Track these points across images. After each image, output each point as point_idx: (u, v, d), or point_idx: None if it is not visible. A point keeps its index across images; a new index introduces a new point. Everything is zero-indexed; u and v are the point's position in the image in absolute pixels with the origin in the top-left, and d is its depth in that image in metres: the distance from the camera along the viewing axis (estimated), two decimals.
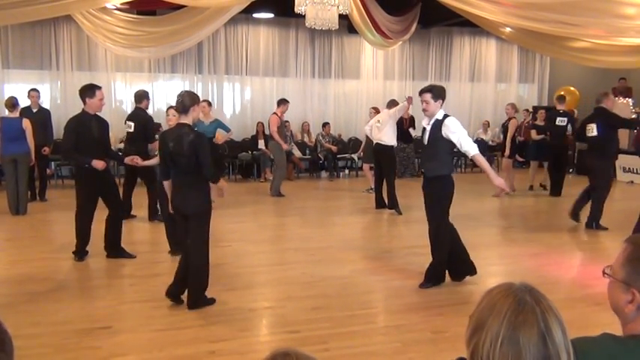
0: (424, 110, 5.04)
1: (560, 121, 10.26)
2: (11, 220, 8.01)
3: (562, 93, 11.64)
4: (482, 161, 5.06)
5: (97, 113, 5.86)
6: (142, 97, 7.93)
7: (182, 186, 4.43)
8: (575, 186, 11.42)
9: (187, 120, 4.40)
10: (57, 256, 6.07)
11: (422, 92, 5.02)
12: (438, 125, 4.96)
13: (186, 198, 4.40)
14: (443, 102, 5.01)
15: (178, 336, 4.00)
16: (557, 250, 6.64)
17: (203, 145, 4.36)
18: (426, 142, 5.11)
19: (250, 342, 3.95)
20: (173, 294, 4.55)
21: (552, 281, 5.32)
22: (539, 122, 11.15)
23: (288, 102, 10.24)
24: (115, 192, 6.06)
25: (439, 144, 4.98)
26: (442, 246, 5.04)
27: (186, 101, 4.36)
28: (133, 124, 7.70)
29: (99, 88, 5.86)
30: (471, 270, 5.21)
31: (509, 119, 10.65)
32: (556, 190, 10.43)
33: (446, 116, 4.98)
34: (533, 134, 10.88)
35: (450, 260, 5.12)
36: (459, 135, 4.90)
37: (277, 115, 10.05)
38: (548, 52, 11.86)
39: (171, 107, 6.64)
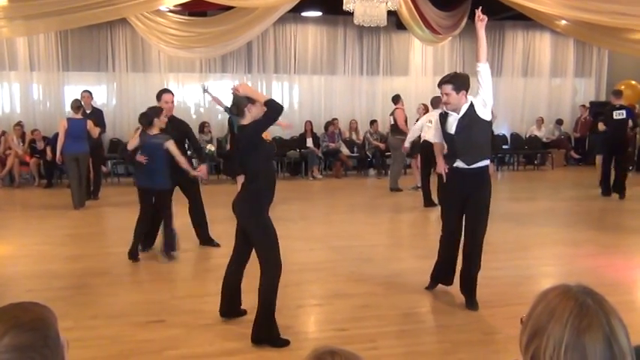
0: (445, 103, 4.42)
1: (618, 114, 9.65)
2: (72, 214, 8.37)
3: (622, 87, 11.15)
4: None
5: (175, 115, 6.05)
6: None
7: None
8: (636, 185, 10.94)
9: (245, 121, 3.94)
10: (112, 250, 6.28)
11: (441, 83, 4.39)
12: (469, 111, 4.35)
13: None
14: (467, 92, 4.36)
15: (228, 330, 4.07)
16: (615, 252, 6.37)
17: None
18: (453, 130, 4.41)
19: (298, 339, 3.96)
20: (228, 313, 4.25)
21: (609, 283, 5.11)
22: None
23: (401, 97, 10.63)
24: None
25: (476, 128, 4.35)
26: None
27: (241, 103, 3.94)
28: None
29: (167, 92, 6.02)
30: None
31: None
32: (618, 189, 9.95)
33: (471, 102, 4.35)
34: (600, 126, 10.15)
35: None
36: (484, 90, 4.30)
37: (401, 108, 10.40)
38: (606, 45, 11.42)
39: None
